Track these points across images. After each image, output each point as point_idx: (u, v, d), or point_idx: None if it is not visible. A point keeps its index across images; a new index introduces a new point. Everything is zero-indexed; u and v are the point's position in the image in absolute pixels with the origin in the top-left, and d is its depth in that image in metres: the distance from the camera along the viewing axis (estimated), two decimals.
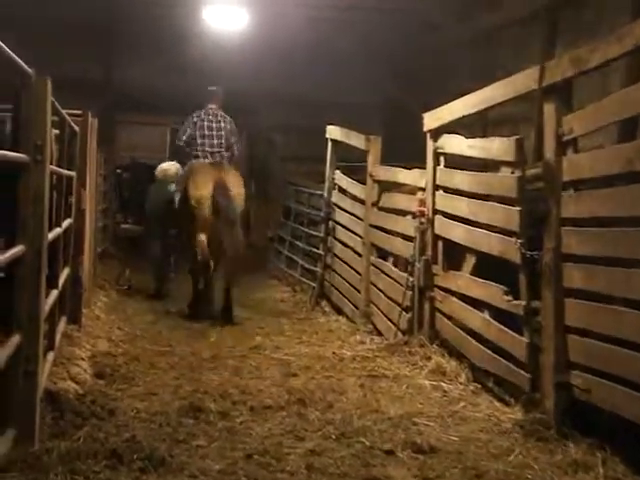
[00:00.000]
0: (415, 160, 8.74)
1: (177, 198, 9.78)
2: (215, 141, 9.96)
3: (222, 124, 10.04)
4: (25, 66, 4.06)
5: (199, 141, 9.90)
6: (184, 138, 10.02)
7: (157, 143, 17.91)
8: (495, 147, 6.09)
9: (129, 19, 14.94)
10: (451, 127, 7.26)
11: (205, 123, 9.97)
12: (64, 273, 6.76)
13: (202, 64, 16.41)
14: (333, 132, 10.84)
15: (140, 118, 17.53)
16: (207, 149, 9.92)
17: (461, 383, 6.34)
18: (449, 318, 7.01)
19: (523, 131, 11.37)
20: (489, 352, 6.07)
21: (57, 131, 6.40)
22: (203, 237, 9.26)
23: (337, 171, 10.70)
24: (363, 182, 9.42)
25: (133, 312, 9.83)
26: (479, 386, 6.24)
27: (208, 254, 9.33)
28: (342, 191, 10.45)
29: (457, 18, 12.68)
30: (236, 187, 9.48)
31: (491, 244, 6.08)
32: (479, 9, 12.68)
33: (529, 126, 11.19)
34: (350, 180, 10.13)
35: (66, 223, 6.73)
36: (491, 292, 6.07)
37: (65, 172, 6.56)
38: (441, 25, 12.91)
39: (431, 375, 6.59)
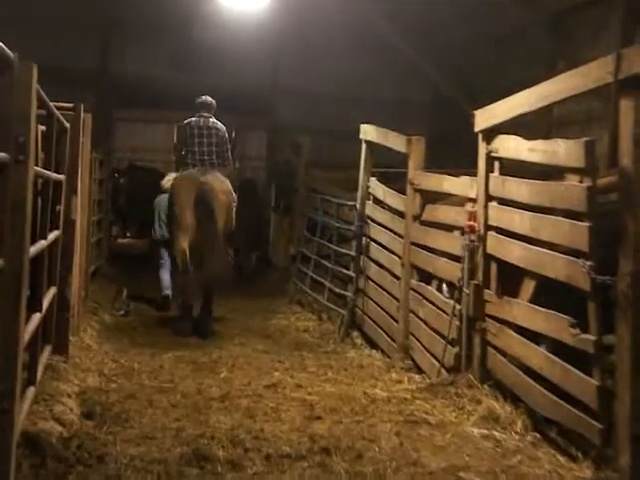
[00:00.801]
0: (465, 166, 8.69)
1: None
2: (205, 149, 11.03)
3: (214, 132, 11.13)
4: (5, 48, 4.05)
5: (191, 150, 11.02)
6: (179, 147, 11.26)
7: (161, 142, 18.05)
8: (561, 151, 6.00)
9: (130, 3, 15.00)
10: (508, 127, 7.19)
11: (195, 131, 11.06)
12: (49, 294, 6.75)
13: (212, 52, 16.53)
14: (368, 132, 10.82)
15: (141, 114, 17.67)
16: (198, 157, 10.98)
17: (517, 432, 6.23)
18: (504, 354, 6.92)
19: (595, 133, 11.32)
20: (552, 396, 5.96)
21: (44, 127, 6.43)
22: (184, 246, 10.46)
23: (372, 178, 10.68)
24: (403, 192, 9.38)
25: (130, 341, 9.86)
26: (539, 436, 6.13)
27: (188, 264, 10.45)
28: (378, 202, 10.42)
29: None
30: (221, 196, 10.67)
31: (555, 266, 5.99)
32: None
33: (602, 127, 11.12)
34: (387, 189, 10.09)
35: (52, 236, 6.72)
36: (554, 324, 5.98)
37: (53, 175, 6.56)
38: (499, 6, 12.84)
39: (481, 422, 6.50)
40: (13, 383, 4.42)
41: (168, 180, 11.50)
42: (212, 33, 15.24)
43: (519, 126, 7.25)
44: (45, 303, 6.32)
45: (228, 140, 11.35)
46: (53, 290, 7.07)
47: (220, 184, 10.75)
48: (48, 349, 7.02)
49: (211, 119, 11.20)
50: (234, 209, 11.13)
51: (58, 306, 7.44)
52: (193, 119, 11.14)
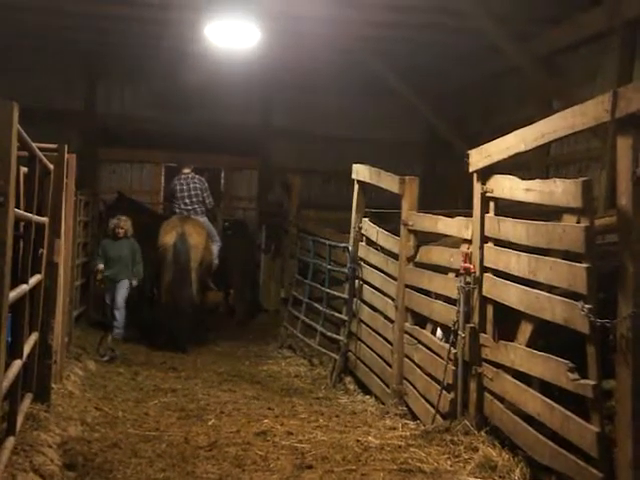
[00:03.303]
0: (459, 207, 8.70)
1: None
2: (187, 200, 14.18)
3: (196, 185, 14.31)
4: None
5: (178, 201, 14.20)
6: (171, 199, 14.49)
7: (149, 184, 18.03)
8: (558, 191, 5.99)
9: (115, 41, 15.04)
10: (503, 168, 7.20)
11: (182, 187, 14.24)
12: (30, 340, 6.69)
13: (201, 93, 16.59)
14: (360, 172, 10.84)
15: (127, 154, 17.66)
16: (183, 207, 14.15)
17: None
18: (501, 400, 6.86)
19: (593, 172, 11.38)
20: (551, 443, 5.90)
21: (26, 169, 6.40)
22: (166, 280, 13.11)
23: (365, 219, 10.67)
24: (396, 233, 9.37)
25: (115, 388, 9.77)
26: None
27: (170, 295, 13.00)
28: (371, 243, 10.41)
29: (515, 38, 12.70)
30: (196, 237, 13.36)
31: (553, 309, 5.95)
32: (541, 26, 12.71)
33: (600, 167, 11.17)
34: (381, 230, 10.08)
35: (34, 280, 6.67)
36: (553, 368, 5.93)
37: (35, 218, 6.53)
38: (494, 48, 12.96)
39: (478, 470, 6.40)
40: None
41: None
42: (200, 73, 15.23)
43: (515, 166, 7.28)
44: (26, 349, 6.27)
45: (207, 188, 14.43)
46: (35, 336, 7.01)
47: (195, 228, 13.47)
48: (29, 397, 6.95)
49: (190, 174, 14.34)
50: (213, 248, 14.01)
51: (40, 352, 7.36)
52: (178, 177, 14.36)
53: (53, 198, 7.58)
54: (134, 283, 13.42)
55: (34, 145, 5.97)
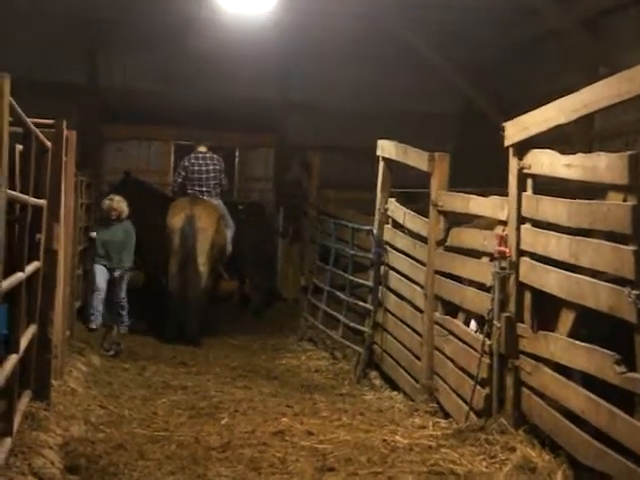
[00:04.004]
0: (494, 184, 8.63)
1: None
2: (204, 182, 14.09)
3: (211, 166, 14.21)
4: None
5: (191, 182, 14.10)
6: (179, 180, 14.33)
7: (158, 164, 18.03)
8: (602, 166, 5.92)
9: (121, 9, 15.00)
10: (543, 142, 7.14)
11: (195, 168, 14.12)
12: (28, 333, 6.70)
13: (211, 64, 16.50)
14: (386, 148, 10.80)
15: (133, 131, 17.64)
16: (197, 189, 14.06)
17: None
18: (540, 395, 6.82)
19: None
20: (596, 443, 5.85)
21: (21, 146, 6.40)
22: (173, 267, 13.18)
23: (391, 199, 10.64)
24: (425, 214, 9.33)
25: (121, 385, 9.81)
26: None
27: (177, 282, 13.12)
28: (397, 226, 10.40)
29: (556, 1, 12.59)
30: (205, 220, 13.30)
31: (596, 296, 5.90)
32: None
33: None
34: (408, 211, 10.05)
35: (31, 267, 6.68)
36: (597, 361, 5.88)
37: (31, 200, 6.54)
38: (537, 10, 12.84)
39: (516, 472, 6.38)
40: None
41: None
42: (211, 42, 15.21)
43: (556, 141, 7.20)
44: (23, 343, 6.28)
45: (224, 169, 14.53)
46: (33, 329, 7.02)
47: (207, 211, 13.47)
48: (27, 395, 6.97)
49: (208, 154, 14.30)
50: (226, 233, 13.96)
51: (38, 346, 7.37)
52: (192, 155, 14.24)
53: (51, 179, 7.58)
54: (116, 274, 12.98)
55: (29, 120, 5.96)
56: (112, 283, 13.01)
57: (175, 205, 13.65)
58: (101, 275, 12.92)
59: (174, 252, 13.19)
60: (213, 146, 15.15)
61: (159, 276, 14.42)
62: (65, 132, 7.96)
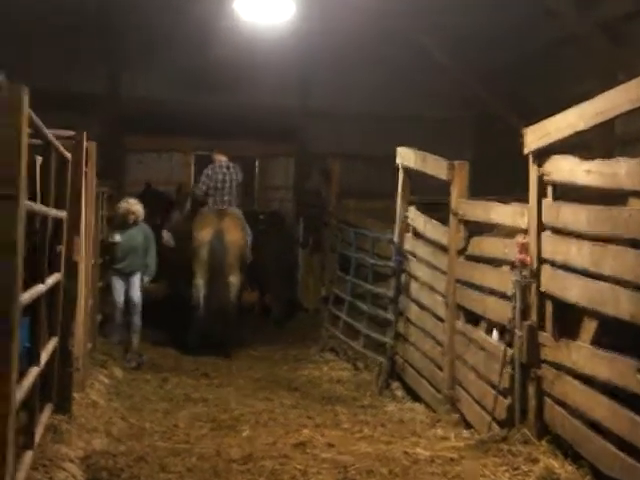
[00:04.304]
0: (515, 191, 8.59)
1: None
2: (226, 191, 14.02)
3: (232, 176, 14.13)
4: None
5: (213, 192, 13.99)
6: (204, 189, 14.12)
7: (178, 173, 18.06)
8: (622, 172, 5.89)
9: (140, 19, 15.07)
10: (564, 148, 7.10)
11: (219, 177, 14.04)
12: (49, 346, 6.72)
13: (232, 73, 16.54)
14: (405, 156, 10.78)
15: (155, 143, 17.68)
16: (218, 199, 13.97)
17: None
18: (563, 405, 6.77)
19: None
20: (621, 454, 5.79)
21: (41, 158, 6.42)
22: (200, 281, 13.31)
23: (411, 208, 10.62)
24: (446, 222, 9.30)
25: (142, 398, 9.84)
26: None
27: (205, 294, 13.23)
28: (418, 235, 10.36)
29: (574, 5, 12.54)
30: (234, 233, 13.48)
31: (619, 304, 5.85)
32: None
33: None
34: (429, 219, 10.02)
35: (52, 279, 6.70)
36: (620, 369, 5.83)
37: (52, 212, 6.55)
38: (553, 14, 12.78)
39: None
40: (4, 448, 4.36)
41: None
42: (232, 51, 15.26)
43: (577, 147, 7.15)
44: (44, 356, 6.29)
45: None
46: (54, 341, 7.04)
47: (234, 223, 13.61)
48: (49, 408, 6.97)
49: (229, 164, 14.18)
50: (248, 241, 13.87)
51: (60, 359, 7.39)
52: (214, 165, 14.12)
53: (71, 190, 7.60)
54: (145, 280, 12.66)
55: (49, 132, 5.98)
56: (128, 287, 12.53)
57: (202, 217, 13.74)
58: (120, 289, 12.52)
59: (201, 264, 13.30)
60: (233, 155, 15.22)
61: (181, 287, 14.40)
62: (85, 143, 7.99)
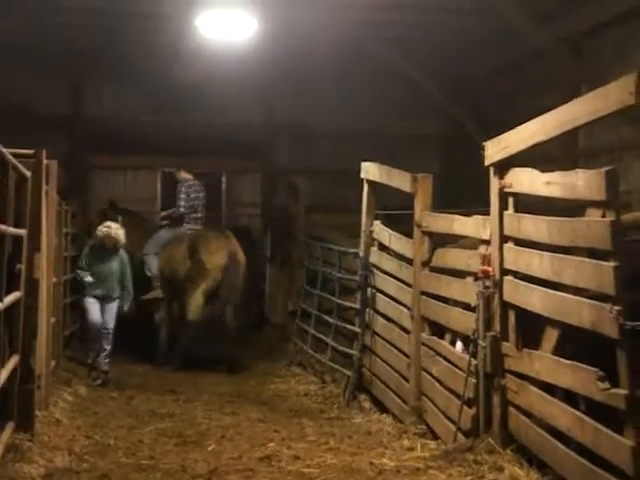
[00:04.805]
0: (482, 205, 8.62)
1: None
2: (199, 209, 14.52)
3: (201, 194, 14.62)
4: None
5: (188, 211, 14.41)
6: (182, 210, 14.43)
7: (145, 192, 17.96)
8: (580, 183, 5.92)
9: (102, 37, 14.99)
10: (525, 161, 7.13)
11: (192, 196, 14.47)
12: (9, 364, 6.65)
13: (197, 91, 16.53)
14: (370, 170, 10.78)
15: (120, 161, 17.59)
16: (193, 216, 14.43)
17: None
18: (527, 414, 6.78)
19: (626, 163, 11.28)
20: (583, 461, 5.81)
21: None
22: (200, 298, 13.25)
23: (376, 222, 10.63)
24: (410, 235, 9.31)
25: (107, 414, 9.76)
26: None
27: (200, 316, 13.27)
28: (383, 248, 10.37)
29: (536, 21, 12.63)
30: (241, 255, 13.63)
31: (579, 313, 5.87)
32: (566, 6, 12.61)
33: (635, 156, 11.08)
34: (393, 233, 10.02)
35: (11, 297, 6.64)
36: (581, 377, 5.85)
37: (10, 230, 6.50)
38: (515, 30, 12.88)
39: None
40: None
41: None
42: (196, 70, 15.17)
43: (539, 160, 7.18)
44: (3, 373, 6.22)
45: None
46: (15, 359, 6.97)
47: (238, 245, 13.78)
48: (10, 426, 6.91)
49: (195, 182, 14.66)
50: None
51: (21, 377, 7.33)
52: (185, 184, 14.51)
53: (31, 208, 7.54)
54: (125, 308, 12.30)
55: (4, 150, 5.93)
56: (103, 312, 12.10)
57: (206, 239, 13.70)
58: (96, 311, 12.04)
59: (208, 288, 13.26)
60: (199, 172, 15.20)
61: (151, 306, 14.18)
62: (45, 161, 7.93)
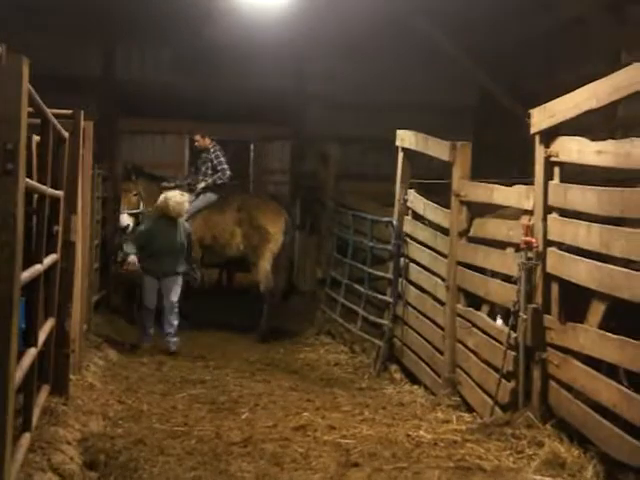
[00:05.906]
0: (515, 177, 8.48)
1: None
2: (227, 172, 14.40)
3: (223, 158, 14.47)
4: None
5: (226, 174, 14.37)
6: (229, 173, 14.38)
7: (171, 156, 17.90)
8: (636, 152, 5.77)
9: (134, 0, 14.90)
10: (566, 130, 6.99)
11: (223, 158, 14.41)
12: (46, 327, 6.59)
13: (228, 55, 16.40)
14: (405, 138, 10.68)
15: (149, 124, 17.53)
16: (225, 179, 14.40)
17: None
18: (569, 389, 6.69)
19: None
20: (628, 437, 5.70)
21: (38, 137, 6.28)
22: (268, 265, 13.57)
23: (411, 190, 10.52)
24: (447, 205, 9.20)
25: (138, 380, 9.74)
26: None
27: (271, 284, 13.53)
28: (418, 217, 10.29)
29: None
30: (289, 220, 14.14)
31: (630, 286, 5.74)
32: None
33: None
34: (429, 202, 9.91)
35: (49, 259, 6.56)
36: (630, 353, 5.73)
37: (49, 191, 6.40)
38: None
39: (544, 468, 6.25)
40: (3, 429, 4.24)
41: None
42: (227, 33, 15.04)
43: (577, 130, 7.04)
44: (41, 337, 6.16)
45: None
46: (51, 322, 6.91)
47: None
48: (45, 389, 6.86)
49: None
50: None
51: (57, 340, 7.28)
52: (216, 145, 14.50)
53: (69, 170, 7.45)
54: (196, 285, 12.42)
55: (47, 109, 5.82)
56: (165, 288, 11.64)
57: (258, 204, 14.13)
58: (152, 290, 11.68)
59: (273, 253, 13.69)
60: (225, 139, 15.18)
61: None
62: (82, 123, 7.83)
